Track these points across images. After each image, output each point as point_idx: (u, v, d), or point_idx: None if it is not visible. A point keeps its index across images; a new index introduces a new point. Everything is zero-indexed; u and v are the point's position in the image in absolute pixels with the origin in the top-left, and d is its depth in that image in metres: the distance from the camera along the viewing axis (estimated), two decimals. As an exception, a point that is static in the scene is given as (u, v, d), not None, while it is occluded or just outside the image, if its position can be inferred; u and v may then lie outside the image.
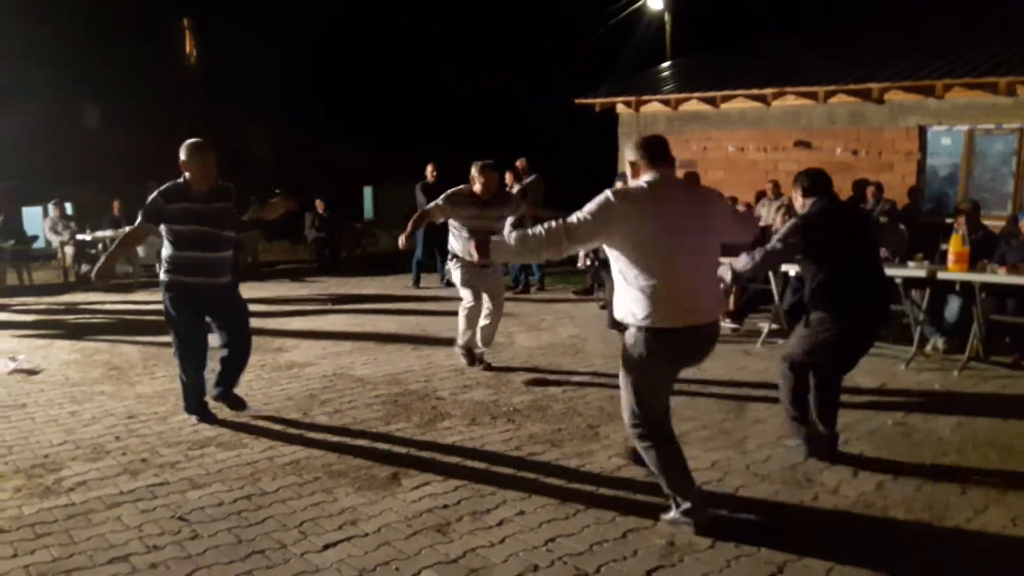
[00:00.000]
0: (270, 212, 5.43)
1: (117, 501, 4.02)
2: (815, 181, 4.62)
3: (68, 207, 13.53)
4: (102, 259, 5.22)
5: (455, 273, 6.57)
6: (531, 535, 3.65)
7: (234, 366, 5.37)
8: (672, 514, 3.70)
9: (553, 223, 3.54)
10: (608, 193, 3.53)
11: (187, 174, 5.01)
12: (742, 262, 4.73)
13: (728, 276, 4.81)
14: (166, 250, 5.09)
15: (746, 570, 3.33)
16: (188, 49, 23.45)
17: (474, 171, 6.40)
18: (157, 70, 21.43)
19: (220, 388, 5.43)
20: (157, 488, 4.19)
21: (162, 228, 5.06)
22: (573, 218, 3.50)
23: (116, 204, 13.36)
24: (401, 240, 6.48)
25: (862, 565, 3.37)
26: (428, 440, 4.95)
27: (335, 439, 4.98)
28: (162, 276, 5.14)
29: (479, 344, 6.71)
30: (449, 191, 6.47)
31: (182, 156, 4.97)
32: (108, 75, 20.14)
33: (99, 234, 12.46)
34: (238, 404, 5.45)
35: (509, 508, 3.94)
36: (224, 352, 5.32)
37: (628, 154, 3.71)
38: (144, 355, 7.26)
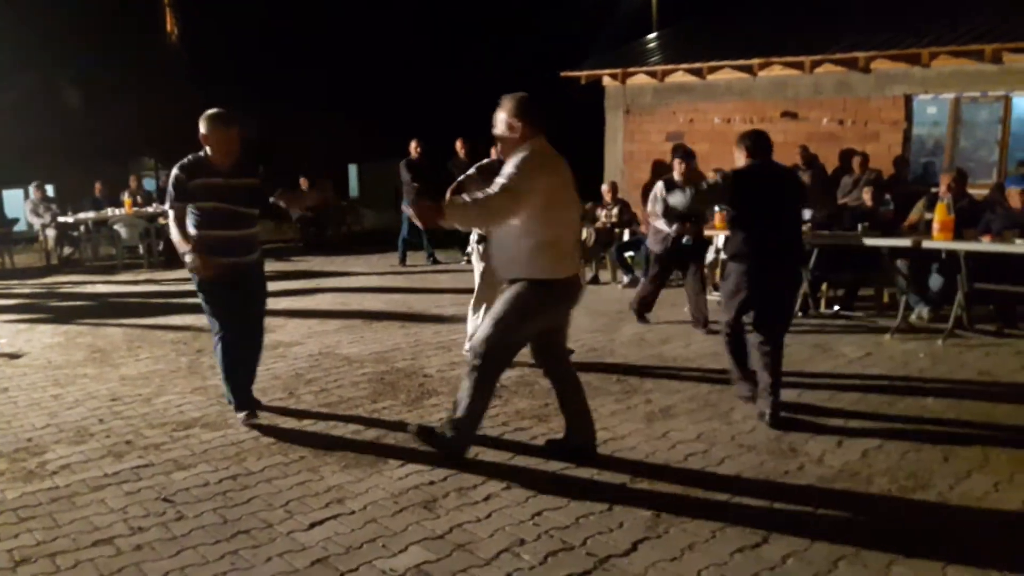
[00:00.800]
0: (298, 202, 5.43)
1: (101, 484, 3.99)
2: (756, 143, 4.97)
3: (49, 189, 13.36)
4: (189, 259, 4.61)
5: (478, 265, 6.09)
6: (517, 509, 3.66)
7: (250, 359, 5.01)
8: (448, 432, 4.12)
9: (492, 191, 3.78)
10: (523, 159, 3.81)
11: (207, 148, 4.66)
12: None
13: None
14: (191, 230, 4.70)
15: (732, 540, 3.34)
16: (169, 28, 23.13)
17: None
18: (139, 50, 21.14)
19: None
20: (142, 470, 4.16)
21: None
22: (510, 186, 3.74)
23: (98, 186, 13.22)
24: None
25: (847, 533, 3.40)
26: (415, 417, 4.94)
27: (321, 418, 4.96)
28: (188, 259, 4.71)
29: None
30: (480, 163, 5.98)
31: (202, 128, 4.62)
32: (89, 55, 19.85)
33: (81, 216, 12.34)
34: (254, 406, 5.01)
35: (495, 483, 3.94)
36: (240, 343, 4.90)
37: (506, 114, 3.91)
38: (128, 337, 7.21)
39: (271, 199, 5.05)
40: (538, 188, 3.77)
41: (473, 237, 6.22)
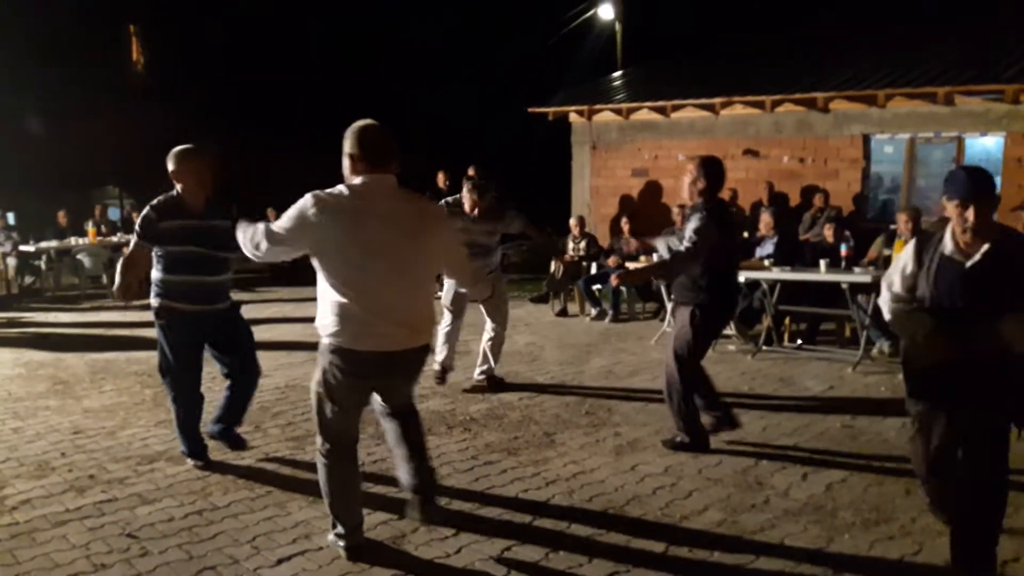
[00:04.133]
0: None
1: (63, 519, 3.92)
2: None
3: (11, 217, 13.14)
4: (118, 279, 4.57)
5: (445, 284, 6.41)
6: (487, 544, 3.66)
7: (243, 398, 4.76)
8: (330, 536, 3.59)
9: (259, 226, 3.37)
10: (307, 198, 3.23)
11: (180, 186, 4.46)
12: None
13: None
14: (156, 273, 4.49)
15: (703, 573, 3.38)
16: (135, 56, 23.05)
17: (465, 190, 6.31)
18: (102, 77, 21.01)
19: (220, 426, 4.77)
20: (105, 505, 4.10)
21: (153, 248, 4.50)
22: (275, 224, 3.32)
23: (61, 214, 13.05)
24: None
25: (813, 566, 3.44)
26: (383, 451, 4.90)
27: (288, 452, 4.93)
28: (152, 301, 4.53)
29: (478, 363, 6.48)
30: (443, 201, 6.31)
31: (171, 165, 4.44)
32: (52, 81, 19.68)
33: (43, 245, 12.16)
34: (239, 444, 4.83)
35: (465, 517, 3.94)
36: (228, 383, 4.73)
37: (346, 143, 3.34)
38: (91, 368, 7.10)
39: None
40: (310, 229, 3.18)
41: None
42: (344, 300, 3.16)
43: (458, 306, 6.41)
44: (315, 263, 3.25)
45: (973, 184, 3.16)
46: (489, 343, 6.40)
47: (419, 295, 3.34)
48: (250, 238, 3.37)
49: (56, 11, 19.64)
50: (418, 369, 3.47)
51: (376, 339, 3.19)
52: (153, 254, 4.51)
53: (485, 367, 6.42)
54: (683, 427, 4.90)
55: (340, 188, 3.26)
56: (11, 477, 4.48)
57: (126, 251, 4.54)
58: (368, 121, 3.35)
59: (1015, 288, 3.12)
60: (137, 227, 4.50)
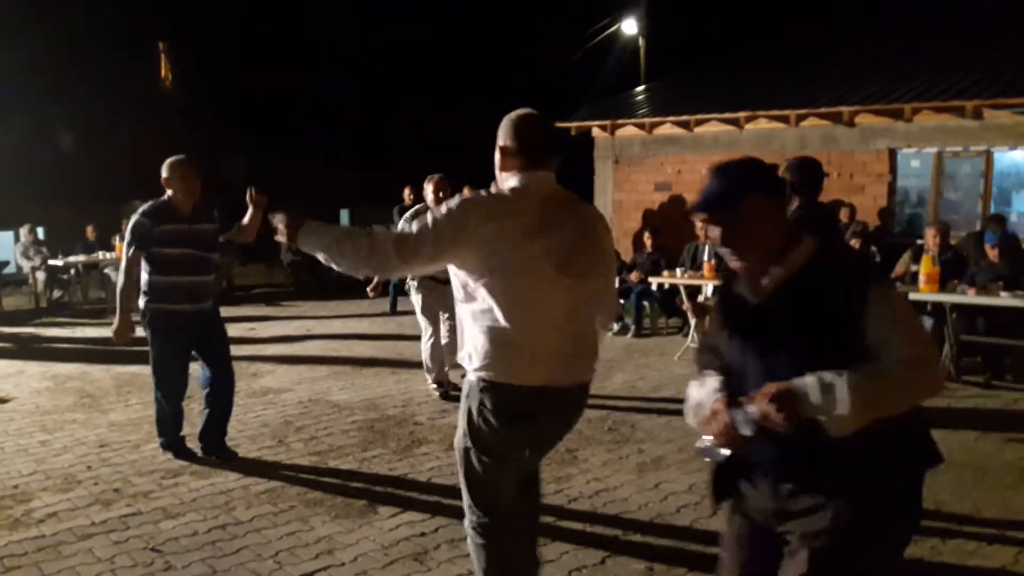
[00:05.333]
0: (246, 234, 5.03)
1: (89, 532, 3.95)
2: None
3: (40, 232, 13.33)
4: (117, 320, 4.68)
5: (415, 297, 6.60)
6: (509, 562, 3.63)
7: (223, 403, 5.02)
8: None
9: (383, 232, 2.67)
10: (465, 203, 2.62)
11: (170, 192, 4.78)
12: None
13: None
14: (145, 275, 4.76)
15: (724, 594, 3.33)
16: (164, 72, 23.44)
17: (426, 185, 6.48)
18: (132, 92, 21.37)
19: (206, 439, 5.02)
20: (130, 519, 4.12)
21: None
22: (419, 231, 2.56)
23: (90, 228, 13.22)
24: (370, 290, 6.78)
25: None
26: (406, 466, 4.92)
27: (311, 466, 4.94)
28: (141, 304, 4.81)
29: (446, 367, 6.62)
30: (408, 212, 6.45)
31: (164, 173, 4.75)
32: (81, 96, 20.04)
33: (71, 259, 12.32)
34: (228, 455, 5.01)
35: (487, 535, 3.91)
36: (209, 388, 4.98)
37: (502, 134, 2.73)
38: (117, 382, 7.16)
39: (221, 239, 5.05)
40: (474, 241, 2.55)
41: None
42: (505, 325, 2.56)
43: (433, 316, 6.51)
44: (466, 281, 2.63)
45: (714, 186, 2.06)
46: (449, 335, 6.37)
47: (590, 317, 2.78)
48: (372, 250, 2.57)
49: (87, 27, 20.03)
50: (579, 413, 2.86)
51: (542, 371, 2.62)
52: (142, 258, 4.76)
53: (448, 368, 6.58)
54: None
55: (500, 191, 2.72)
56: (38, 490, 4.52)
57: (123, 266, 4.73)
58: (527, 110, 2.78)
59: (826, 334, 1.93)
60: (130, 235, 4.70)
